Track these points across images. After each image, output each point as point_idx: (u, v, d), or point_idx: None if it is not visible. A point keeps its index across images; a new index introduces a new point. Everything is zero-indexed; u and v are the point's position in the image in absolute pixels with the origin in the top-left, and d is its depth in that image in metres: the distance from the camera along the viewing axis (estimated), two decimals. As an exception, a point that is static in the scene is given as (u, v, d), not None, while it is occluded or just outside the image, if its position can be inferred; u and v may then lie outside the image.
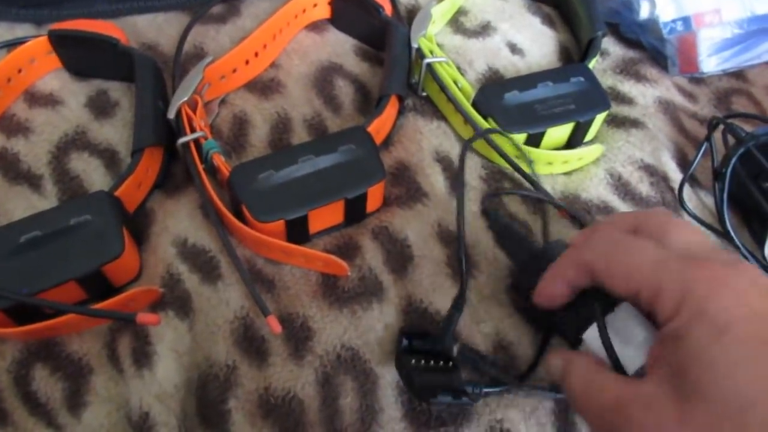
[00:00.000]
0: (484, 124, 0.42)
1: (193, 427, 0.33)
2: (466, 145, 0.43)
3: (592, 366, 0.28)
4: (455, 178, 0.42)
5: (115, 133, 0.43)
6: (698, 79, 0.52)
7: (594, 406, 0.27)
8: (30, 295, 0.32)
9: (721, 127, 0.43)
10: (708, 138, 0.43)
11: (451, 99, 0.43)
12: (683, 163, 0.45)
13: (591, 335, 0.29)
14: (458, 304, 0.36)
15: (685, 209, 0.42)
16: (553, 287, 0.30)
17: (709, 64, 0.50)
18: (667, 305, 0.25)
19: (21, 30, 0.47)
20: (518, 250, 0.37)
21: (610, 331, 0.28)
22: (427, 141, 0.44)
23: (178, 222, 0.39)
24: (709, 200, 0.44)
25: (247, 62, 0.46)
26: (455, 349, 0.33)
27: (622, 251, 0.28)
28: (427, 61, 0.44)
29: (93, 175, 0.41)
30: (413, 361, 0.33)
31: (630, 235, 0.29)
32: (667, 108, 0.49)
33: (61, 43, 0.44)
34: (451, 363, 0.33)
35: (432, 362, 0.33)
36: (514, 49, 0.51)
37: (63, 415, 0.33)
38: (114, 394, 0.34)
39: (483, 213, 0.40)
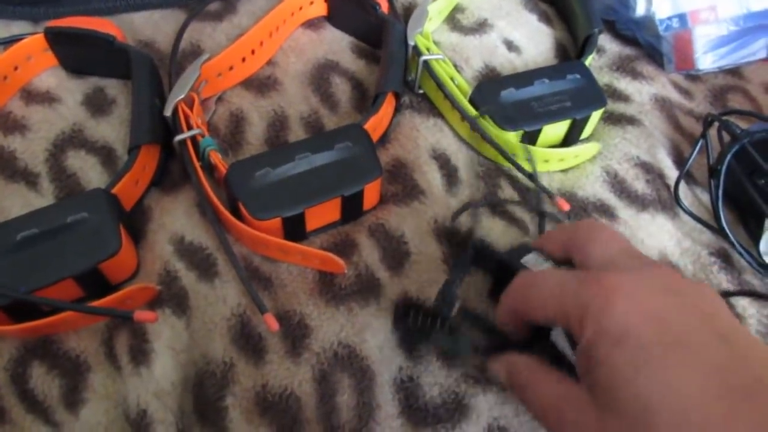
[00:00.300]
0: (482, 122, 0.42)
1: (190, 424, 0.33)
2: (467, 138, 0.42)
3: (534, 365, 0.29)
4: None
5: (112, 130, 0.43)
6: (694, 76, 0.52)
7: (537, 401, 0.28)
8: (27, 293, 0.32)
9: (717, 124, 0.43)
10: (703, 135, 0.43)
11: (447, 96, 0.43)
12: (679, 160, 0.46)
13: (555, 334, 0.30)
14: (462, 261, 0.36)
15: (681, 206, 0.43)
16: (508, 327, 0.32)
17: (705, 61, 0.51)
18: (574, 326, 0.26)
19: (17, 27, 0.47)
20: (489, 263, 0.38)
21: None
22: (424, 138, 0.44)
23: (175, 219, 0.39)
24: (705, 197, 0.44)
25: (243, 60, 0.46)
26: (456, 307, 0.33)
27: (531, 288, 0.29)
28: (423, 58, 0.44)
29: (90, 172, 0.41)
30: (412, 313, 0.34)
31: (537, 272, 0.30)
32: (663, 105, 0.49)
33: (58, 40, 0.44)
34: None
35: (429, 320, 0.34)
36: (510, 46, 0.51)
37: (60, 413, 0.33)
38: (111, 392, 0.34)
39: (472, 247, 0.39)
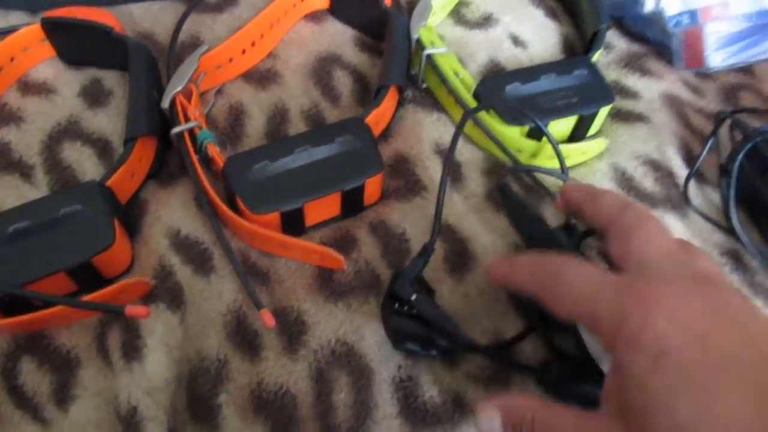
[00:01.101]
0: (485, 118, 0.41)
1: (183, 422, 0.32)
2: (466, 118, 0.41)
3: (539, 405, 0.26)
4: (455, 171, 0.41)
5: (109, 122, 0.42)
6: (705, 74, 0.51)
7: None
8: (18, 287, 0.32)
9: (728, 121, 0.42)
10: (714, 133, 0.42)
11: (451, 91, 0.42)
12: (689, 158, 0.44)
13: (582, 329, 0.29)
14: (426, 251, 0.35)
15: (691, 205, 0.41)
16: (506, 279, 0.30)
17: (716, 58, 0.49)
18: (606, 336, 0.25)
19: (15, 17, 0.47)
20: (530, 229, 0.36)
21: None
22: (427, 133, 0.43)
23: (172, 213, 0.38)
24: (716, 196, 0.43)
25: (243, 52, 0.45)
26: (413, 298, 0.32)
27: (559, 279, 0.27)
28: (427, 52, 0.43)
29: (86, 164, 0.40)
30: (396, 305, 0.33)
31: (568, 261, 0.28)
32: (673, 102, 0.48)
33: (55, 30, 0.43)
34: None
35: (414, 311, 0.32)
36: (516, 41, 0.50)
37: (50, 409, 0.32)
38: (103, 388, 0.33)
39: (499, 188, 0.39)
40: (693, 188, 0.43)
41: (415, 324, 0.32)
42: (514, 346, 0.34)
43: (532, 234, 0.36)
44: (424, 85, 0.46)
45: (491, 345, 0.35)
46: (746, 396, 0.21)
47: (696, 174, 0.43)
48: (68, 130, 0.41)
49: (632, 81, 0.49)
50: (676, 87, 0.49)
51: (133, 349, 0.33)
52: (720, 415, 0.21)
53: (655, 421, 0.22)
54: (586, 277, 0.26)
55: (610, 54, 0.51)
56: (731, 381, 0.22)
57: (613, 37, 0.52)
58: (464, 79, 0.44)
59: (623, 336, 0.24)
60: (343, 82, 0.46)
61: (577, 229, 0.34)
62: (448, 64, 0.44)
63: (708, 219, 0.41)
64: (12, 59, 0.43)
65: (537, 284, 0.28)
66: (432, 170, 0.41)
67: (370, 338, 0.34)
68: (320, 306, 0.35)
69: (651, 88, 0.48)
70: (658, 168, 0.43)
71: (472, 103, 0.42)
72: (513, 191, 0.38)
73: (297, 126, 0.43)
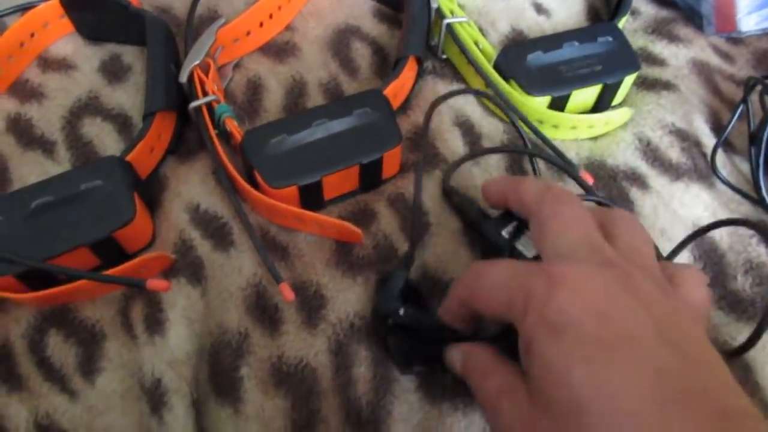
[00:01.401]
0: (506, 87, 0.41)
1: (205, 394, 0.33)
2: (434, 105, 0.41)
3: (491, 356, 0.28)
4: (474, 143, 0.41)
5: (128, 98, 0.42)
6: (736, 39, 0.49)
7: (480, 391, 0.27)
8: (42, 261, 0.32)
9: (759, 88, 0.40)
10: (744, 100, 0.41)
11: (471, 61, 0.42)
12: (717, 127, 0.43)
13: None
14: (405, 262, 0.34)
15: (718, 175, 0.40)
16: (450, 319, 0.30)
17: (748, 22, 0.48)
18: (517, 314, 0.25)
19: (34, -7, 0.47)
20: (475, 222, 0.36)
21: None
22: (447, 105, 0.42)
23: (191, 188, 0.38)
24: (745, 166, 0.41)
25: (261, 24, 0.44)
26: (401, 312, 0.32)
27: (481, 277, 0.27)
28: (447, 21, 0.43)
29: (106, 140, 0.40)
30: (390, 321, 0.32)
31: (488, 262, 0.28)
32: (702, 69, 0.46)
33: (73, 6, 0.43)
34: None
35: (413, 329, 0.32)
36: (539, 8, 0.49)
37: (77, 381, 0.33)
38: (127, 360, 0.33)
39: (443, 191, 0.38)
40: (721, 158, 0.41)
41: (414, 336, 0.32)
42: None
43: (475, 226, 0.36)
44: (444, 56, 0.45)
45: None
46: (641, 374, 0.22)
47: (724, 143, 0.42)
48: (88, 106, 0.42)
49: (659, 48, 0.47)
50: (705, 53, 0.48)
51: (155, 323, 0.34)
52: (615, 389, 0.22)
53: (555, 392, 0.23)
54: (506, 269, 0.27)
55: (637, 20, 0.49)
56: (628, 359, 0.22)
57: (640, 2, 0.50)
58: (484, 48, 0.43)
59: (529, 311, 0.24)
60: (361, 54, 0.45)
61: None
62: (468, 34, 0.43)
63: (736, 190, 0.40)
64: (32, 35, 0.43)
65: (467, 290, 0.28)
66: (451, 142, 0.41)
67: (389, 312, 0.34)
68: (339, 280, 0.35)
69: (679, 55, 0.47)
70: (685, 137, 0.42)
71: (493, 74, 0.41)
72: (455, 189, 0.38)
73: (315, 99, 0.43)
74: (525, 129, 0.40)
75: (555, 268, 0.25)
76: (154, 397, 0.32)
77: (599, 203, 0.36)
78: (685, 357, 0.22)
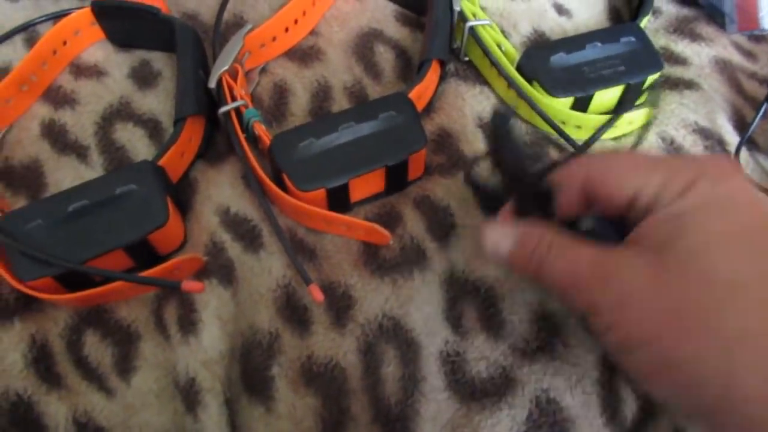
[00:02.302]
0: (529, 89, 0.41)
1: (237, 393, 0.34)
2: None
3: (557, 232, 0.27)
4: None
5: (158, 103, 0.43)
6: (759, 37, 0.49)
7: (567, 268, 0.26)
8: (79, 263, 0.33)
9: (784, 87, 0.40)
10: (768, 99, 0.41)
11: (494, 63, 0.42)
12: (741, 126, 0.43)
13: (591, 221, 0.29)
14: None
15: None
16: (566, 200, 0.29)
17: (771, 20, 0.48)
18: (676, 189, 0.25)
19: (66, 2, 0.48)
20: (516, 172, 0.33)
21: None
22: (470, 107, 0.43)
23: (221, 191, 0.39)
24: (769, 165, 0.42)
25: (286, 30, 0.45)
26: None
27: (616, 159, 0.28)
28: (469, 24, 0.43)
29: (137, 145, 0.41)
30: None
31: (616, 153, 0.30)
32: (724, 68, 0.46)
33: (104, 13, 0.44)
34: None
35: None
36: (560, 9, 0.49)
37: (113, 380, 0.34)
38: (161, 360, 0.34)
39: (494, 115, 0.37)
40: (744, 156, 0.42)
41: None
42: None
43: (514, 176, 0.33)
44: (467, 59, 0.45)
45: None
46: None
47: (748, 141, 0.42)
48: (120, 112, 0.43)
49: (681, 47, 0.47)
50: (727, 51, 0.48)
51: (189, 323, 0.35)
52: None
53: (703, 266, 0.23)
54: (642, 155, 0.28)
55: (659, 19, 0.49)
56: None
57: (661, 1, 0.50)
58: (507, 50, 0.43)
59: (698, 188, 0.25)
60: (385, 57, 0.46)
61: None
62: (490, 36, 0.43)
63: (760, 188, 0.40)
64: (65, 43, 0.45)
65: (597, 168, 0.28)
66: (475, 145, 0.41)
67: (416, 313, 0.35)
68: (366, 281, 0.36)
69: (701, 54, 0.47)
70: (709, 136, 0.42)
71: (516, 76, 0.41)
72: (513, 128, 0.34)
73: (340, 103, 0.44)
74: (548, 130, 0.41)
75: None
76: (189, 396, 0.33)
77: None
78: None
